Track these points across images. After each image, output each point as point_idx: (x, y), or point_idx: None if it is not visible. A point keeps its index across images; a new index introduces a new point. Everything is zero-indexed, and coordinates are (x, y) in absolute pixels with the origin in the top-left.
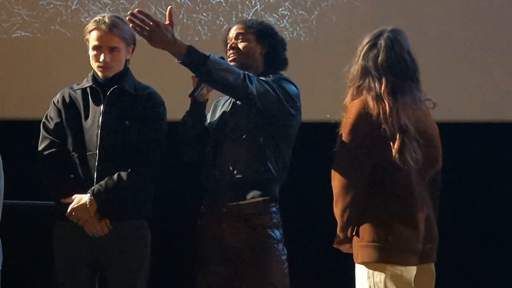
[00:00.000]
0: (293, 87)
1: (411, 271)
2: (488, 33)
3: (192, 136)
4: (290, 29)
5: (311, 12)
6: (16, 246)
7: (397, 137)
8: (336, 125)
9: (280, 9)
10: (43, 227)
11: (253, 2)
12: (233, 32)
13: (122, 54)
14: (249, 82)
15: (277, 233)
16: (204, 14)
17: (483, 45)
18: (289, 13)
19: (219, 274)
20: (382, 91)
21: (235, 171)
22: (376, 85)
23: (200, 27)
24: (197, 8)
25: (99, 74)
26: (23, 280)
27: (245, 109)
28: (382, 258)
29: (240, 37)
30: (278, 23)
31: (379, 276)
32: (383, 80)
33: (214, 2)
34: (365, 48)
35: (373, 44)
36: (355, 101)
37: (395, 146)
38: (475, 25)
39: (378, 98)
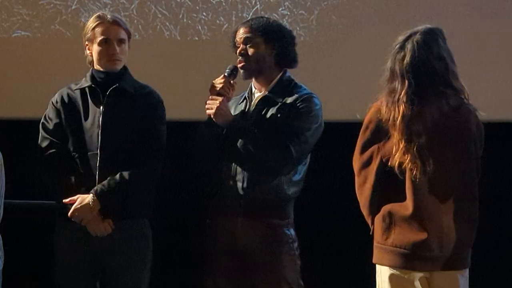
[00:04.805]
0: (317, 105)
1: (414, 275)
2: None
3: (210, 148)
4: (290, 28)
5: (311, 12)
6: (16, 246)
7: (401, 146)
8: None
9: (280, 9)
10: (43, 227)
11: (253, 1)
12: (240, 36)
13: (127, 47)
14: (289, 158)
15: (292, 232)
16: (204, 14)
17: (483, 44)
18: (289, 13)
19: (226, 269)
20: (401, 96)
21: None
22: (399, 89)
23: (200, 27)
24: (197, 8)
25: (110, 67)
26: (23, 280)
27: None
28: (382, 260)
29: (248, 42)
30: None
31: (383, 276)
32: (405, 85)
33: (214, 2)
34: (394, 50)
35: (401, 46)
36: (372, 104)
37: (396, 155)
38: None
39: (395, 103)
